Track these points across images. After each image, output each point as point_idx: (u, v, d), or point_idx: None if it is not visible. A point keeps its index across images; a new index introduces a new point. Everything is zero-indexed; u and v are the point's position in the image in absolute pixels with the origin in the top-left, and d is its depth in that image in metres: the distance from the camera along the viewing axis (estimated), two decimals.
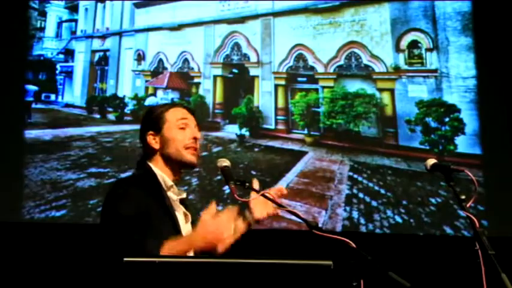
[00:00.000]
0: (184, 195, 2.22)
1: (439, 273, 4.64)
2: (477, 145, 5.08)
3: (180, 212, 2.16)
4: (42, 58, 5.32)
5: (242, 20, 5.41)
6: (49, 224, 4.52)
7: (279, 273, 1.48)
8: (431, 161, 2.21)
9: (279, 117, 5.30)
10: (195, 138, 2.17)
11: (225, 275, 1.46)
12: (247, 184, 2.08)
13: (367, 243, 2.55)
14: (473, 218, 1.94)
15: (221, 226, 1.88)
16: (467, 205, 1.99)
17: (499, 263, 1.78)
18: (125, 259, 1.42)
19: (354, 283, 1.68)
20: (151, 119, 2.22)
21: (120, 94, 5.40)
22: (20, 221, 4.51)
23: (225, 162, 2.10)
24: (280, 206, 2.14)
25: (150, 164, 2.17)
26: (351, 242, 1.79)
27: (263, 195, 2.08)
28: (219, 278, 1.46)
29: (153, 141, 2.18)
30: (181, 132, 2.17)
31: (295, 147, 5.23)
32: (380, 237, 5.01)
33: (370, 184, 4.98)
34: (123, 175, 4.58)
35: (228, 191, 4.57)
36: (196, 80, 5.35)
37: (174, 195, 2.17)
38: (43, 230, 4.49)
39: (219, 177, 4.72)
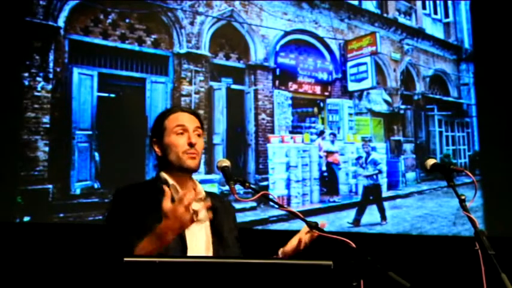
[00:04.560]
0: (200, 195, 2.19)
1: (439, 273, 4.64)
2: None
3: None
4: None
5: None
6: (49, 224, 4.50)
7: (279, 273, 1.48)
8: (431, 161, 2.19)
9: None
10: (190, 144, 2.15)
11: (225, 275, 1.46)
12: (247, 184, 2.08)
13: (367, 243, 2.55)
14: (473, 218, 1.94)
15: (178, 212, 1.82)
16: (468, 205, 1.99)
17: (499, 263, 1.78)
18: (125, 259, 1.42)
19: (354, 283, 1.68)
20: (154, 126, 2.25)
21: None
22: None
23: (225, 163, 2.11)
24: (281, 206, 2.16)
25: (161, 171, 2.22)
26: (351, 242, 1.79)
27: (264, 195, 2.07)
28: (219, 278, 1.45)
29: (157, 148, 2.21)
30: (179, 138, 2.17)
31: None
32: (380, 237, 5.01)
33: None
34: None
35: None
36: None
37: (177, 192, 2.14)
38: (42, 230, 4.46)
39: None
